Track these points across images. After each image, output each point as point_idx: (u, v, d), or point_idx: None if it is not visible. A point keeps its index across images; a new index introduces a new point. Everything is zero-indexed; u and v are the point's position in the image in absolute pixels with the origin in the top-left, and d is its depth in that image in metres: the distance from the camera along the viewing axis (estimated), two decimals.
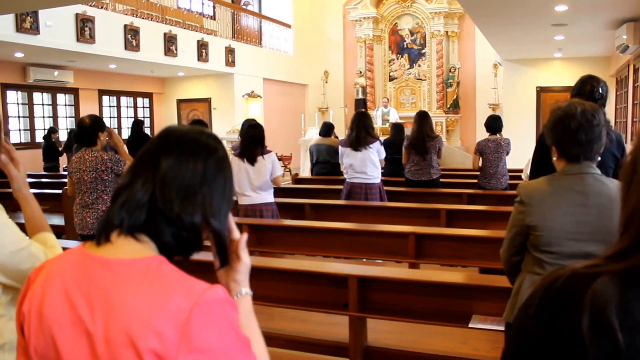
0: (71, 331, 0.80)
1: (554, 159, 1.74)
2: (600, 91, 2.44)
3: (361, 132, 4.85)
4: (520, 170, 5.51)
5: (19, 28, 7.29)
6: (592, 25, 7.08)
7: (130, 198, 0.83)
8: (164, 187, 0.83)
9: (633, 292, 0.57)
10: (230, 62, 11.52)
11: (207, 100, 12.40)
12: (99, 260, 0.82)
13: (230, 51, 11.49)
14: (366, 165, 4.89)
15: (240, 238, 0.93)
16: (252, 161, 4.09)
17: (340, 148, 5.10)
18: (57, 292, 0.83)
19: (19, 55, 8.55)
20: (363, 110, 5.65)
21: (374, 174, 4.95)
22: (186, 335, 0.75)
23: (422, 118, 5.54)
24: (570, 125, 1.64)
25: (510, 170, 5.62)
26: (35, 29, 7.48)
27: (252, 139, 4.11)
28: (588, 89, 2.44)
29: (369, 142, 4.87)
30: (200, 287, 0.79)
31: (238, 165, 4.11)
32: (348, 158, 4.96)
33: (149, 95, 12.60)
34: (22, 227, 1.41)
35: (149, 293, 0.78)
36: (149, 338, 0.75)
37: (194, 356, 0.75)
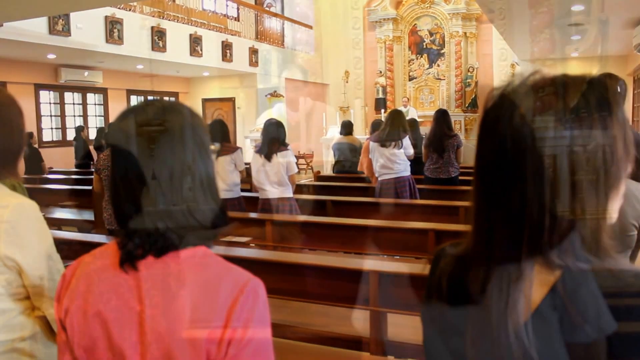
0: (124, 323, 0.83)
1: None
2: (619, 90, 2.44)
3: (394, 129, 4.90)
4: None
5: (52, 30, 7.53)
6: (609, 24, 7.01)
7: (160, 217, 0.83)
8: (176, 189, 0.84)
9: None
10: (254, 62, 11.68)
11: (232, 100, 12.58)
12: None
13: (253, 52, 11.64)
14: (394, 161, 4.96)
15: None
16: (268, 158, 4.29)
17: (370, 144, 5.14)
18: (104, 286, 0.85)
19: (51, 56, 8.83)
20: (398, 109, 5.68)
21: (401, 168, 5.00)
22: (230, 320, 0.80)
23: (441, 116, 5.53)
24: None
25: None
26: (66, 31, 7.72)
27: (270, 138, 4.32)
28: None
29: (400, 138, 4.95)
30: (246, 276, 0.85)
31: (257, 161, 4.33)
32: (376, 154, 5.01)
33: (175, 95, 12.81)
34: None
35: (197, 285, 0.82)
36: (201, 328, 0.80)
37: (236, 339, 0.80)
